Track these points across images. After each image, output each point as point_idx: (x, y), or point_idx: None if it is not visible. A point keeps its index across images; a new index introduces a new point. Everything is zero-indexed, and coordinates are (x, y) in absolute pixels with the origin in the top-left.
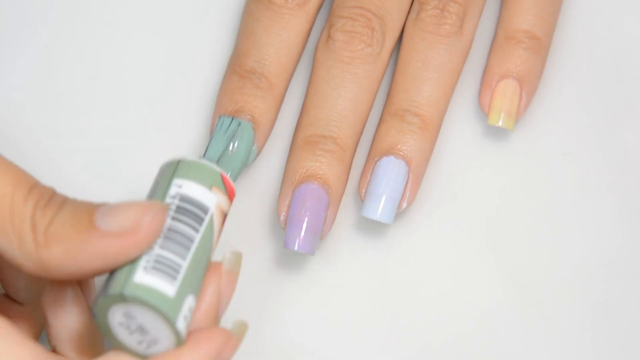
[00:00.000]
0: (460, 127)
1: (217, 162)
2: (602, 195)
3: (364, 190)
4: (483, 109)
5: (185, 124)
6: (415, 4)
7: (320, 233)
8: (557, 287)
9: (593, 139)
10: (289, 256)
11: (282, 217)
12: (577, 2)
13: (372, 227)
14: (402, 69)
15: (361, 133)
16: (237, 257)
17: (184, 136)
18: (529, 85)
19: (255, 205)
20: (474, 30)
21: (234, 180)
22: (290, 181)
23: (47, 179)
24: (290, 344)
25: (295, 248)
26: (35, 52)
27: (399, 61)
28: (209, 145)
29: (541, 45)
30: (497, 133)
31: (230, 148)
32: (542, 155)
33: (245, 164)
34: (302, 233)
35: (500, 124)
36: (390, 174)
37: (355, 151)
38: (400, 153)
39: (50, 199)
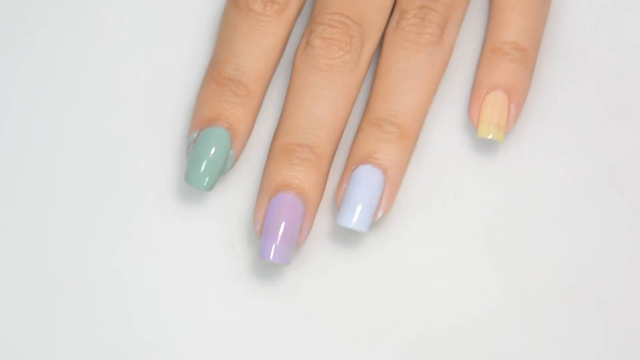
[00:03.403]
0: (459, 127)
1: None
2: (601, 195)
3: (340, 199)
4: (472, 122)
5: (170, 128)
6: (396, 13)
7: (296, 243)
8: (556, 287)
9: (592, 139)
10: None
11: (257, 227)
12: (575, 1)
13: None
14: (382, 78)
15: (339, 140)
16: None
17: (171, 140)
18: (518, 96)
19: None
20: (454, 40)
21: (211, 188)
22: (266, 190)
23: (46, 180)
24: (288, 343)
25: (270, 258)
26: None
27: (379, 69)
28: None
29: (528, 57)
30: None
31: (210, 155)
32: (540, 155)
33: (223, 171)
34: (277, 243)
35: (490, 136)
36: (367, 182)
37: (332, 159)
38: (377, 162)
39: None
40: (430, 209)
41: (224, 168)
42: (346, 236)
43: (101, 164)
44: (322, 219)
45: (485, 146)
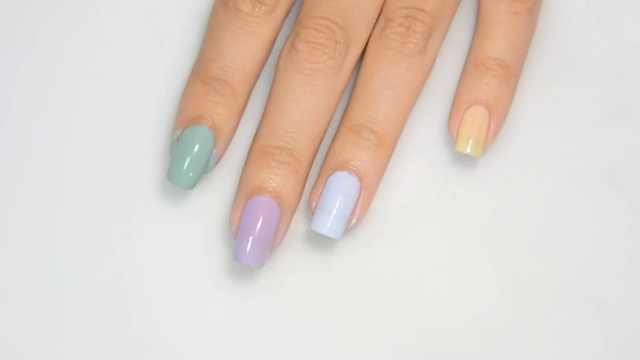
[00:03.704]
0: None
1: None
2: (600, 195)
3: (314, 204)
4: (451, 135)
5: (171, 127)
6: (381, 20)
7: (270, 246)
8: (556, 287)
9: (591, 139)
10: (281, 255)
11: (233, 228)
12: (574, 2)
13: (368, 228)
14: (363, 85)
15: (319, 145)
16: None
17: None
18: (498, 113)
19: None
20: (437, 51)
21: (193, 187)
22: (243, 192)
23: (46, 180)
24: (288, 343)
25: (244, 260)
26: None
27: (360, 76)
28: None
29: (511, 73)
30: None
31: (193, 154)
32: (540, 155)
33: (205, 170)
34: (251, 246)
35: (468, 151)
36: (342, 189)
37: (312, 163)
38: (354, 169)
39: None
40: (430, 209)
41: (206, 167)
42: (347, 236)
43: (101, 164)
44: None
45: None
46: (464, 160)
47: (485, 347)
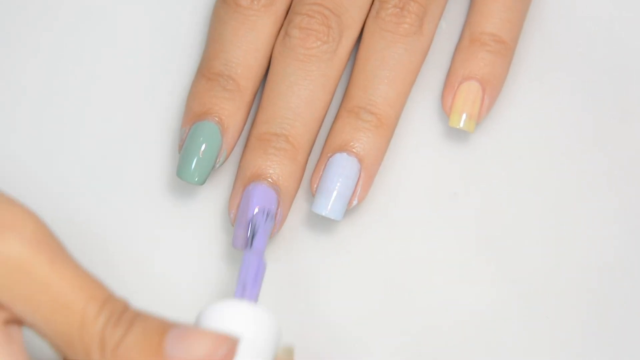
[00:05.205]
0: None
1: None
2: (602, 196)
3: (315, 186)
4: (445, 110)
5: (168, 128)
6: (376, 2)
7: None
8: (556, 286)
9: (593, 139)
10: (280, 251)
11: (231, 215)
12: (577, 2)
13: (367, 225)
14: (361, 67)
15: (317, 131)
16: (289, 353)
17: (173, 139)
18: (492, 87)
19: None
20: (433, 30)
21: (203, 182)
22: (241, 179)
23: (45, 180)
24: (287, 339)
25: (241, 247)
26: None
27: (358, 58)
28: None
29: (507, 49)
30: (497, 132)
31: (201, 150)
32: (541, 155)
33: (213, 166)
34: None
35: (461, 125)
36: (342, 170)
37: (310, 149)
38: (353, 150)
39: (122, 315)
40: (430, 209)
41: (215, 162)
42: (347, 233)
43: (101, 163)
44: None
45: (487, 146)
46: (465, 159)
47: (485, 347)
